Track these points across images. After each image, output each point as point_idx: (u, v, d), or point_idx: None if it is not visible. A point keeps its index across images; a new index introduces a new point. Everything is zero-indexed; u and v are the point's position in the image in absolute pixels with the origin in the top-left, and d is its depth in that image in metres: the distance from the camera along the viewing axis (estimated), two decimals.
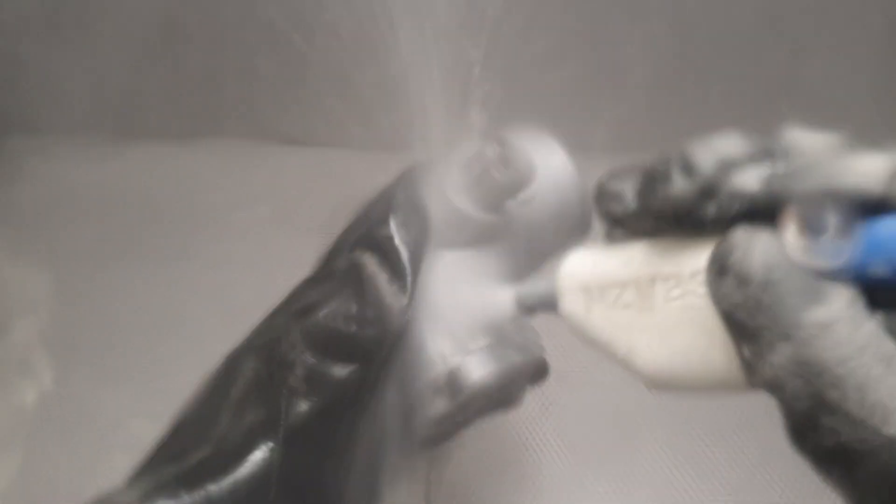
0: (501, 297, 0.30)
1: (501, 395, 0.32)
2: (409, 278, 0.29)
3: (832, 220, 0.19)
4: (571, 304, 0.27)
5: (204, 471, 0.26)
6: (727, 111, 0.69)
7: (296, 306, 0.30)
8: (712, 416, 0.55)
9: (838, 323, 0.19)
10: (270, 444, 0.26)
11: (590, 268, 0.27)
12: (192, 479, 0.25)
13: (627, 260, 0.26)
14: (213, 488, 0.25)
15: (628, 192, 0.24)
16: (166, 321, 0.62)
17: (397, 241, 0.29)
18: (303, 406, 0.27)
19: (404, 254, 0.29)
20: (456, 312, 0.31)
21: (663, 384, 0.25)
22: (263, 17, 0.65)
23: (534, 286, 0.29)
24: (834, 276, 0.19)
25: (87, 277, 0.66)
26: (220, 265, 0.67)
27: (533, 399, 0.56)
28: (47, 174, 0.74)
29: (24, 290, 0.65)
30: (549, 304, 0.28)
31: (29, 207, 0.72)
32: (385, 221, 0.30)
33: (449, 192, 0.32)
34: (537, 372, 0.33)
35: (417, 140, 0.37)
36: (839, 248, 0.19)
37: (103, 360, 0.60)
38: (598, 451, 0.54)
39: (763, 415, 0.21)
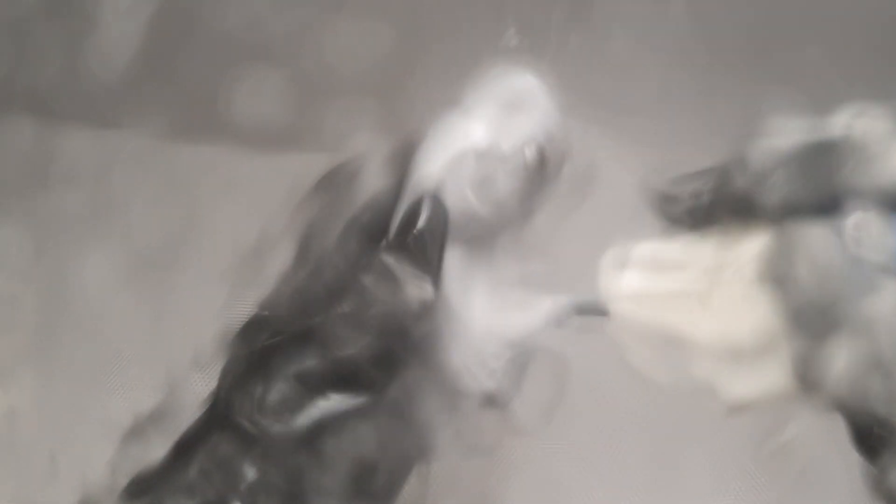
0: (555, 306, 0.30)
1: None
2: (434, 273, 0.28)
3: (883, 208, 0.20)
4: (625, 301, 0.27)
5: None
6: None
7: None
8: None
9: (893, 314, 0.18)
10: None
11: (643, 264, 0.27)
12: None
13: (682, 249, 0.26)
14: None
15: (685, 187, 0.25)
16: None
17: (424, 237, 0.29)
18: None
19: (431, 250, 0.29)
20: (503, 323, 0.30)
21: (724, 385, 0.24)
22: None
23: (588, 291, 0.29)
24: (887, 265, 0.19)
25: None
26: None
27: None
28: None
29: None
30: (599, 307, 0.28)
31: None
32: (412, 221, 0.29)
33: (468, 188, 0.31)
34: None
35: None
36: (891, 238, 0.19)
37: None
38: (599, 450, 0.54)
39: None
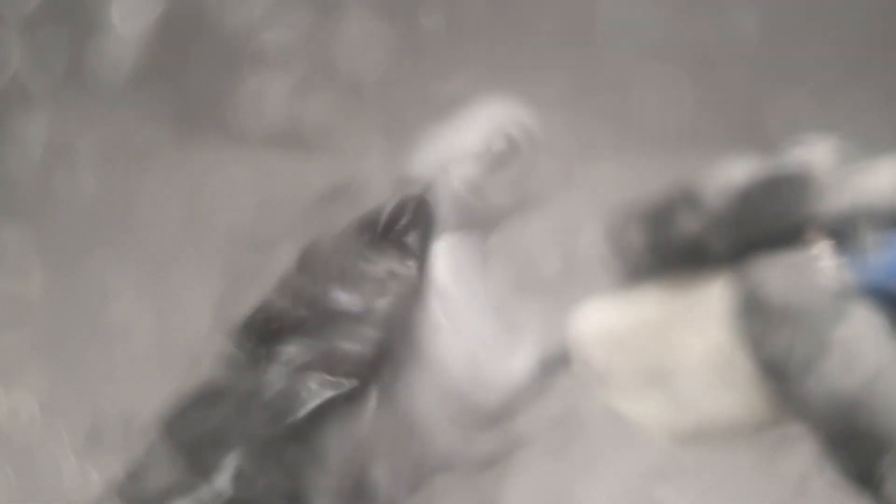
0: (519, 366, 0.30)
1: None
2: (419, 258, 0.29)
3: (853, 237, 0.19)
4: (591, 356, 0.26)
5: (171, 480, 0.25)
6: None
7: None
8: None
9: (861, 342, 0.18)
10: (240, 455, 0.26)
11: (603, 319, 0.26)
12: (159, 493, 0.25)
13: (642, 305, 0.25)
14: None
15: (634, 235, 0.24)
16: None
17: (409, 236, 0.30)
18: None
19: (415, 239, 0.30)
20: (472, 382, 0.31)
21: (695, 433, 0.24)
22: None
23: (551, 348, 0.30)
24: (855, 294, 0.19)
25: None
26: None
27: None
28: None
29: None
30: (564, 361, 0.28)
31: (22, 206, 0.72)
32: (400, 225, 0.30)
33: (458, 181, 0.32)
34: None
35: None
36: (854, 268, 0.19)
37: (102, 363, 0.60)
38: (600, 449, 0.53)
39: None
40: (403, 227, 0.30)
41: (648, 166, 0.74)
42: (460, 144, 0.31)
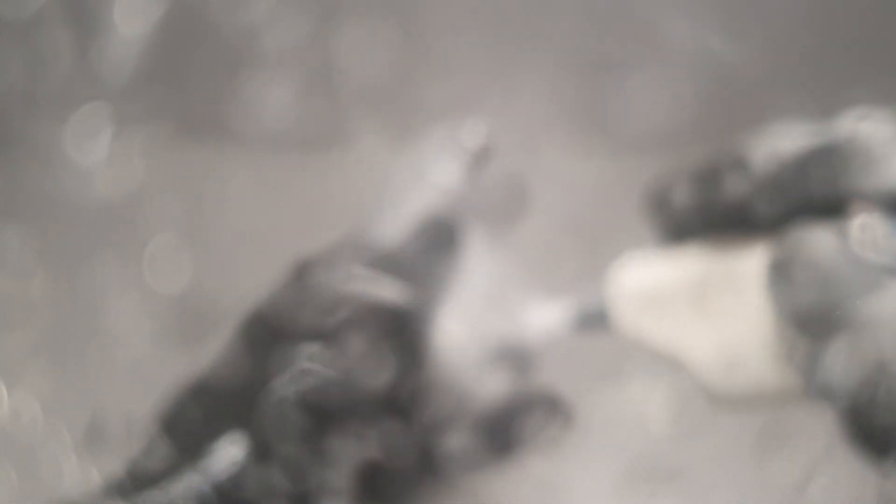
0: (552, 316, 0.30)
1: None
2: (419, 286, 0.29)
3: (888, 212, 0.19)
4: (628, 311, 0.27)
5: (167, 466, 0.26)
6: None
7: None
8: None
9: (894, 314, 0.18)
10: (240, 438, 0.26)
11: (642, 276, 0.27)
12: (154, 477, 0.25)
13: (683, 264, 0.25)
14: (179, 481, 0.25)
15: (680, 194, 0.24)
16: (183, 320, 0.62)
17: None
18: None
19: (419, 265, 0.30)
20: (507, 331, 0.31)
21: (728, 392, 0.24)
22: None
23: (587, 300, 0.29)
24: (890, 267, 0.19)
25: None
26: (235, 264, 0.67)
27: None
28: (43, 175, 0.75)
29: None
30: (601, 318, 0.28)
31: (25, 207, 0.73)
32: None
33: (436, 175, 0.33)
34: None
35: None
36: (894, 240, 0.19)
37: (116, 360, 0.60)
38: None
39: None
40: (406, 253, 0.30)
41: (644, 165, 0.75)
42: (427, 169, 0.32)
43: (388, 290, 0.29)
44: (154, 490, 0.25)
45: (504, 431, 0.32)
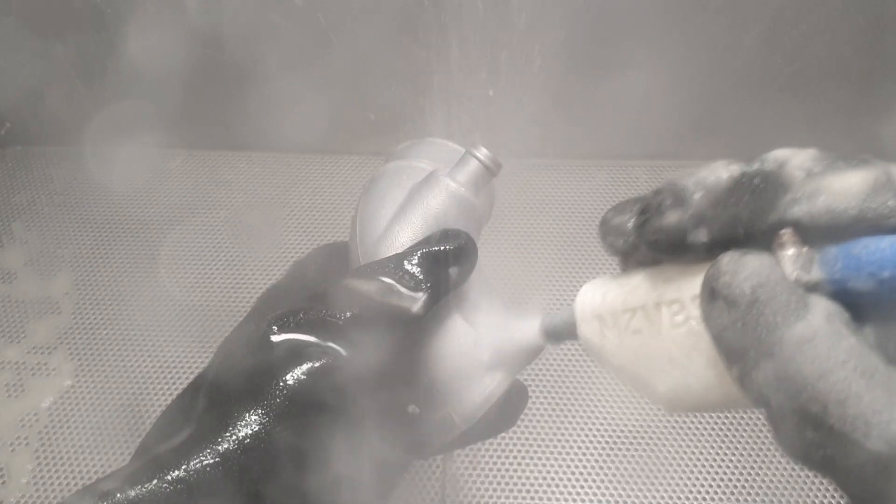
0: (526, 328, 0.31)
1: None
2: (433, 294, 0.29)
3: (813, 238, 0.20)
4: (588, 331, 0.28)
5: (189, 448, 0.26)
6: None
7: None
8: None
9: (817, 338, 0.18)
10: (257, 419, 0.26)
11: (601, 297, 0.28)
12: (175, 458, 0.25)
13: (634, 288, 0.26)
14: (197, 463, 0.25)
15: (627, 225, 0.25)
16: (179, 321, 0.65)
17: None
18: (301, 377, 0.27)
19: (435, 273, 0.30)
20: (484, 340, 0.32)
21: (677, 406, 0.25)
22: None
23: (556, 316, 0.30)
24: (818, 290, 0.20)
25: (108, 277, 0.69)
26: (238, 264, 0.70)
27: (542, 400, 0.59)
28: (69, 179, 0.78)
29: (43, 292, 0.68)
30: (570, 333, 0.29)
31: (50, 211, 0.75)
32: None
33: (453, 184, 0.33)
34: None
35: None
36: (821, 265, 0.20)
37: (122, 359, 0.62)
38: (605, 449, 0.56)
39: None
40: (425, 259, 0.30)
41: (640, 171, 0.77)
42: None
43: (397, 292, 0.29)
44: (168, 474, 0.25)
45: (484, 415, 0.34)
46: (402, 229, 0.32)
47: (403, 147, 0.37)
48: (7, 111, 0.77)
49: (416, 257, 0.30)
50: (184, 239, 0.71)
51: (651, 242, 0.24)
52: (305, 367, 0.27)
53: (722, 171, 0.22)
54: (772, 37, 0.69)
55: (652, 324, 0.25)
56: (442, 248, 0.31)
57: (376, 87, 0.73)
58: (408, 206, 0.33)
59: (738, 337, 0.20)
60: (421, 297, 0.29)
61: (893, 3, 0.66)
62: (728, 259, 0.21)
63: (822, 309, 0.19)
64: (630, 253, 0.26)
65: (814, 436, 0.18)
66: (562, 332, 0.30)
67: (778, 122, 0.69)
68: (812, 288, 0.20)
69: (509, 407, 0.34)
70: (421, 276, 0.30)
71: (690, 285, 0.24)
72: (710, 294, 0.21)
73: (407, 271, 0.30)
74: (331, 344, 0.28)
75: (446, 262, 0.30)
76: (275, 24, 0.69)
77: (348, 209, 0.74)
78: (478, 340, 0.32)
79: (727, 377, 0.21)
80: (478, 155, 0.34)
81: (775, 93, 0.71)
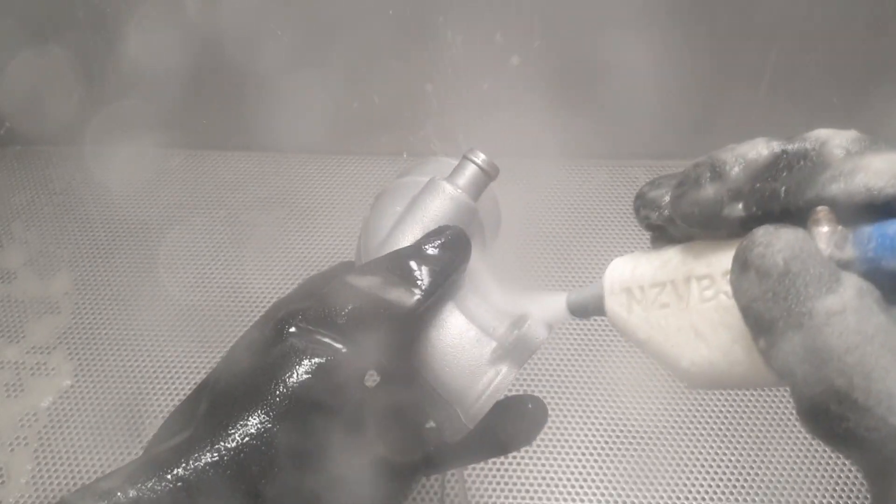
0: (556, 302, 0.31)
1: None
2: (422, 284, 0.30)
3: (849, 217, 0.20)
4: (615, 306, 0.28)
5: (189, 447, 0.26)
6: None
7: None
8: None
9: (847, 312, 0.19)
10: (257, 418, 0.26)
11: (630, 271, 0.28)
12: (175, 457, 0.25)
13: (665, 262, 0.26)
14: (197, 462, 0.25)
15: (663, 199, 0.25)
16: (179, 321, 0.65)
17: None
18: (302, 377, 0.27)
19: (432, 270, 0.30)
20: (478, 334, 0.32)
21: (701, 382, 0.25)
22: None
23: (584, 291, 0.30)
24: (850, 268, 0.20)
25: (107, 277, 0.69)
26: (237, 264, 0.70)
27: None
28: (68, 179, 0.78)
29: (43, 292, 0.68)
30: (597, 307, 0.29)
31: (49, 211, 0.75)
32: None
33: (451, 188, 0.34)
34: None
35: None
36: (854, 243, 0.20)
37: (122, 358, 0.62)
38: (606, 452, 0.56)
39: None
40: (420, 255, 0.30)
41: (640, 171, 0.77)
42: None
43: (396, 289, 0.29)
44: (167, 473, 0.25)
45: (496, 430, 0.34)
46: (402, 234, 0.33)
47: (407, 167, 0.38)
48: (6, 111, 0.77)
49: (410, 252, 0.31)
50: (183, 239, 0.71)
51: (686, 215, 0.24)
52: (306, 365, 0.27)
53: (762, 148, 0.22)
54: (771, 37, 0.69)
55: (680, 298, 0.25)
56: (434, 242, 0.31)
57: (376, 88, 0.74)
58: (408, 213, 0.34)
59: (768, 308, 0.20)
60: (416, 290, 0.29)
61: (893, 3, 0.66)
62: (763, 231, 0.21)
63: (853, 284, 0.19)
64: (663, 228, 0.26)
65: (837, 409, 0.18)
66: (588, 307, 0.30)
67: (777, 122, 0.69)
68: (845, 266, 0.20)
69: (526, 423, 0.35)
70: (415, 270, 0.30)
71: (722, 261, 0.24)
72: (743, 265, 0.21)
73: (402, 266, 0.30)
74: (330, 341, 0.28)
75: (440, 255, 0.31)
76: (275, 25, 0.69)
77: (348, 209, 0.75)
78: (479, 337, 0.32)
79: (752, 353, 0.21)
80: (475, 160, 0.34)
81: (775, 93, 0.71)
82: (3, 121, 0.79)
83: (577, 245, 0.70)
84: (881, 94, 0.69)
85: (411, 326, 0.30)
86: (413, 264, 0.30)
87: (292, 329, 0.28)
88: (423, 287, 0.30)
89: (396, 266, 0.30)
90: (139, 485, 0.25)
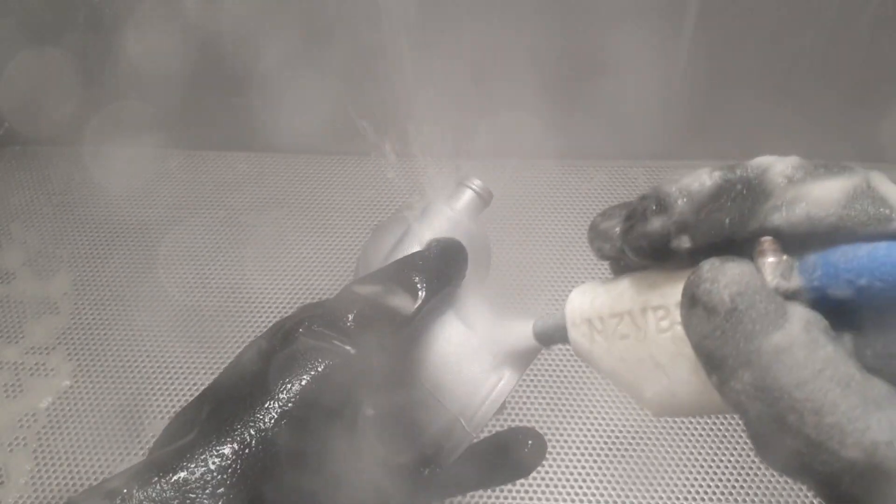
0: (521, 330, 0.32)
1: None
2: (421, 293, 0.30)
3: (794, 246, 0.20)
4: (577, 335, 0.28)
5: (192, 448, 0.26)
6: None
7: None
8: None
9: (794, 347, 0.19)
10: (260, 420, 0.26)
11: (589, 302, 0.28)
12: (178, 459, 0.25)
13: (621, 292, 0.26)
14: (204, 462, 0.25)
15: (614, 230, 0.25)
16: (178, 321, 0.65)
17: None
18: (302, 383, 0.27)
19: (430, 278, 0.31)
20: (480, 342, 0.33)
21: (664, 411, 0.25)
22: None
23: (548, 320, 0.30)
24: (798, 297, 0.20)
25: (106, 278, 0.69)
26: (237, 264, 0.70)
27: (542, 400, 0.59)
28: (67, 179, 0.78)
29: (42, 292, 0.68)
30: (561, 336, 0.29)
31: (49, 211, 0.75)
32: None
33: (450, 210, 0.36)
34: None
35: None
36: (800, 272, 0.20)
37: (121, 359, 0.62)
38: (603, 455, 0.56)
39: None
40: (416, 264, 0.31)
41: (640, 171, 0.77)
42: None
43: (397, 295, 0.30)
44: (169, 474, 0.25)
45: (494, 460, 0.34)
46: (402, 252, 0.35)
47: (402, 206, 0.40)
48: (5, 111, 0.77)
49: (408, 261, 0.32)
50: (183, 239, 0.72)
51: (635, 249, 0.24)
52: (316, 365, 0.28)
53: (705, 178, 0.22)
54: (771, 38, 0.69)
55: (639, 329, 0.25)
56: (432, 251, 0.32)
57: (376, 88, 0.74)
58: (408, 234, 0.35)
59: (718, 345, 0.20)
60: (415, 295, 0.30)
61: (892, 4, 0.66)
62: (708, 266, 0.21)
63: (799, 317, 0.19)
64: (618, 258, 0.26)
65: (791, 444, 0.19)
66: (553, 336, 0.30)
67: (776, 122, 0.69)
68: (791, 295, 0.20)
69: (524, 455, 0.35)
70: (414, 277, 0.31)
71: (675, 291, 0.24)
72: (691, 301, 0.21)
73: (401, 274, 0.31)
74: (339, 343, 0.28)
75: (438, 263, 0.32)
76: (274, 25, 0.69)
77: (347, 209, 0.75)
78: (479, 344, 0.32)
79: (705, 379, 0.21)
80: (471, 185, 0.36)
81: (774, 94, 0.71)
82: (3, 121, 0.79)
83: (577, 245, 0.70)
84: (880, 95, 0.70)
85: (412, 331, 0.31)
86: (412, 272, 0.31)
87: (301, 332, 0.29)
88: (423, 293, 0.30)
89: (396, 275, 0.31)
90: (144, 485, 0.25)
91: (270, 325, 0.31)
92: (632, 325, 0.26)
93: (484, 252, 0.38)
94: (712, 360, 0.20)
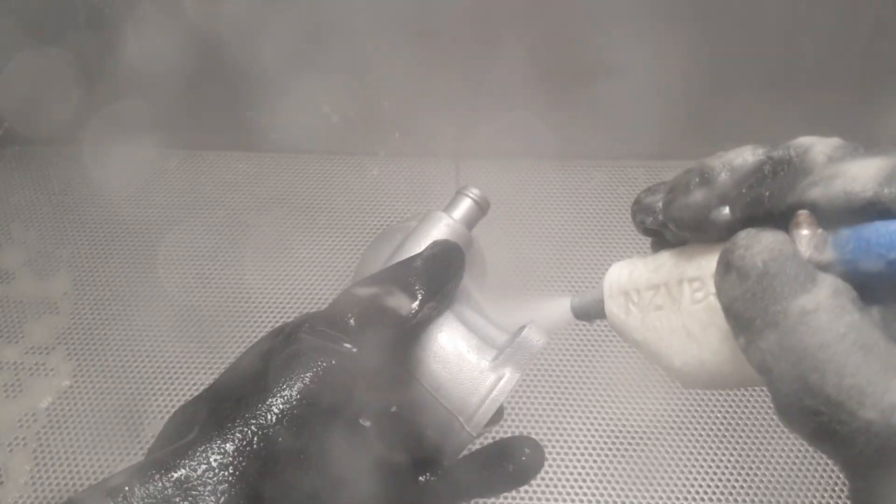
0: (560, 306, 0.32)
1: None
2: (421, 292, 0.31)
3: (829, 221, 0.21)
4: (614, 307, 0.29)
5: (191, 448, 0.26)
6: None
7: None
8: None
9: (820, 310, 0.20)
10: (260, 419, 0.26)
11: (627, 275, 0.29)
12: (178, 457, 0.25)
13: (659, 266, 0.27)
14: (206, 459, 0.26)
15: (657, 204, 0.26)
16: (178, 321, 0.65)
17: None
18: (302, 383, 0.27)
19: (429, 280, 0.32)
20: (480, 342, 0.33)
21: (693, 381, 0.26)
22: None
23: (585, 295, 0.31)
24: (830, 270, 0.21)
25: (106, 278, 0.69)
26: (237, 264, 0.70)
27: (542, 401, 0.59)
28: (67, 179, 0.78)
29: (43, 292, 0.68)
30: (598, 311, 0.30)
31: (48, 211, 0.75)
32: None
33: (448, 218, 0.36)
34: None
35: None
36: (833, 246, 0.21)
37: (121, 359, 0.62)
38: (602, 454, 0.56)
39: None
40: (417, 267, 0.32)
41: (640, 171, 0.77)
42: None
43: (396, 296, 0.31)
44: (170, 473, 0.25)
45: (492, 468, 0.35)
46: (401, 258, 0.35)
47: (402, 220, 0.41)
48: (5, 111, 0.77)
49: (407, 263, 0.32)
50: (182, 239, 0.72)
51: (677, 219, 0.25)
52: (318, 363, 0.28)
53: (748, 154, 0.23)
54: (771, 38, 0.69)
55: (673, 300, 0.26)
56: (429, 253, 0.33)
57: (376, 88, 0.74)
58: (407, 241, 0.36)
59: (747, 307, 0.21)
60: (414, 296, 0.31)
61: (892, 4, 0.66)
62: (745, 234, 0.22)
63: (828, 284, 0.20)
64: (658, 232, 0.27)
65: (811, 403, 0.19)
66: (591, 310, 0.31)
67: (776, 122, 0.69)
68: (825, 267, 0.21)
69: (522, 463, 0.35)
70: (412, 278, 0.31)
71: (711, 263, 0.24)
72: (726, 266, 0.22)
73: (400, 276, 0.32)
74: (333, 345, 0.29)
75: (435, 264, 0.32)
76: (274, 25, 0.69)
77: (347, 209, 0.75)
78: (479, 344, 0.33)
79: (739, 352, 0.22)
80: (469, 194, 0.37)
81: (774, 94, 0.72)
82: (3, 121, 0.79)
83: (577, 245, 0.70)
84: (880, 96, 0.70)
85: (412, 331, 0.31)
86: (411, 273, 0.32)
87: (303, 332, 0.29)
88: (421, 293, 0.31)
89: (395, 276, 0.32)
90: (145, 483, 0.25)
91: (270, 324, 0.31)
92: (667, 296, 0.27)
93: (479, 258, 0.39)
94: (740, 321, 0.21)
